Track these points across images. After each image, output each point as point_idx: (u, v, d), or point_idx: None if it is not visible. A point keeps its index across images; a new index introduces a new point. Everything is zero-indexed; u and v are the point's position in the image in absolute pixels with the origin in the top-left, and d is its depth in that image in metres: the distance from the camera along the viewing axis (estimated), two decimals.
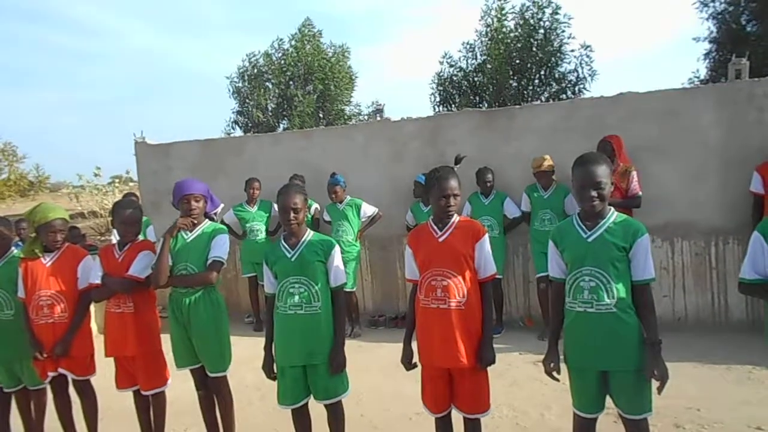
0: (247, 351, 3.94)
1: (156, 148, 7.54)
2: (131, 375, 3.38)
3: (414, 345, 2.76)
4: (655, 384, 2.34)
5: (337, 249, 3.00)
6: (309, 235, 3.00)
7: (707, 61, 12.39)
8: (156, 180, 7.42)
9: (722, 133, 5.22)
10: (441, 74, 16.28)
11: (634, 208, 4.97)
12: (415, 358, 2.77)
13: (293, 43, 17.98)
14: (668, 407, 3.49)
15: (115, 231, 3.72)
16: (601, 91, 16.78)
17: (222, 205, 3.59)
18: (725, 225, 5.25)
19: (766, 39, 10.39)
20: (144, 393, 3.39)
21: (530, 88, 15.06)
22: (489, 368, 2.66)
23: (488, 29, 15.35)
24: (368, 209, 6.09)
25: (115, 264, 3.31)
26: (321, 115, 17.75)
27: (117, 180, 15.34)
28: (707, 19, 12.31)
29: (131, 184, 13.67)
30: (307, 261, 2.91)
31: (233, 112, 18.17)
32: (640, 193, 5.00)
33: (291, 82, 17.75)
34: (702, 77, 12.61)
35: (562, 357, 2.56)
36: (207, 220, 3.38)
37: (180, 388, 3.63)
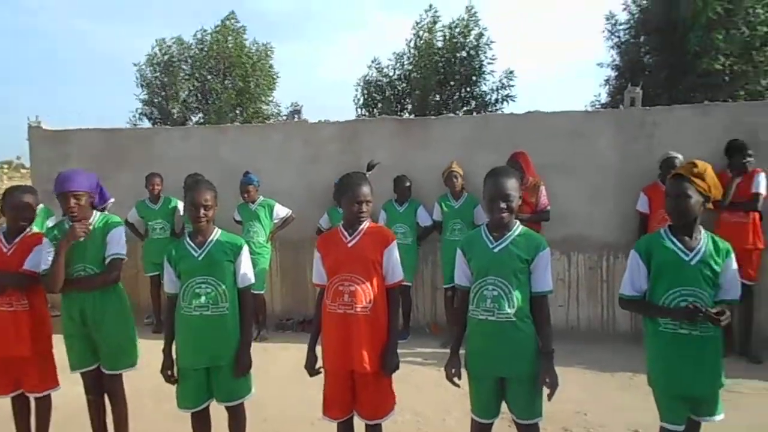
0: (142, 354, 3.74)
1: (53, 135, 7.03)
2: (15, 378, 3.13)
3: (319, 350, 2.75)
4: (546, 391, 2.47)
5: (246, 249, 2.93)
6: (216, 233, 2.91)
7: (608, 86, 13.36)
8: (50, 168, 6.88)
9: (618, 156, 5.61)
10: (367, 78, 16.47)
11: (543, 222, 5.23)
12: (319, 364, 2.76)
13: (214, 36, 17.42)
14: (558, 412, 3.68)
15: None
16: (518, 108, 17.61)
17: (113, 199, 3.37)
18: (617, 241, 5.64)
19: (661, 71, 11.32)
20: (35, 395, 3.15)
21: (451, 102, 15.55)
22: (396, 373, 2.70)
23: (418, 41, 15.76)
24: (281, 210, 6.00)
25: (1, 257, 3.05)
26: (238, 112, 17.31)
27: (6, 166, 14.15)
28: (611, 48, 13.27)
29: (23, 170, 12.66)
30: (216, 261, 2.83)
31: (141, 102, 17.29)
32: (549, 207, 5.27)
33: (210, 76, 17.17)
34: (603, 101, 13.56)
35: (463, 363, 2.64)
36: (96, 212, 3.17)
37: (66, 394, 3.39)
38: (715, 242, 2.51)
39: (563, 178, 5.64)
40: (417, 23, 16.02)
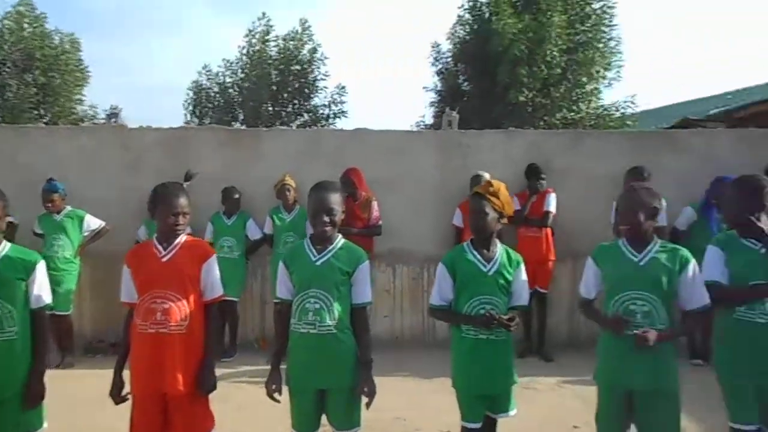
0: None
1: None
2: None
3: (127, 374, 2.54)
4: (364, 400, 2.55)
5: (41, 265, 2.61)
6: (5, 248, 2.56)
7: (432, 108, 14.44)
8: None
9: (438, 173, 6.04)
10: (198, 84, 15.79)
11: (376, 236, 5.41)
12: (127, 389, 2.55)
13: (5, 22, 15.27)
14: (378, 420, 3.81)
15: None
16: (350, 124, 18.10)
17: None
18: (437, 253, 5.93)
19: (476, 98, 12.52)
20: None
21: (284, 114, 15.52)
22: (215, 393, 2.59)
23: (251, 49, 15.46)
24: (92, 222, 5.46)
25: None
26: (42, 112, 15.36)
27: None
28: (435, 74, 14.33)
29: None
30: (4, 278, 2.48)
31: None
32: (381, 222, 5.47)
33: (5, 69, 15.03)
34: (427, 122, 14.59)
35: (285, 378, 2.62)
36: None
37: None
38: (508, 254, 2.81)
39: (389, 194, 5.90)
40: (250, 31, 15.78)
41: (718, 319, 2.77)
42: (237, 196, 5.69)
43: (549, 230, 5.62)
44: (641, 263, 2.61)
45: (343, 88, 15.58)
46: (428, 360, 5.48)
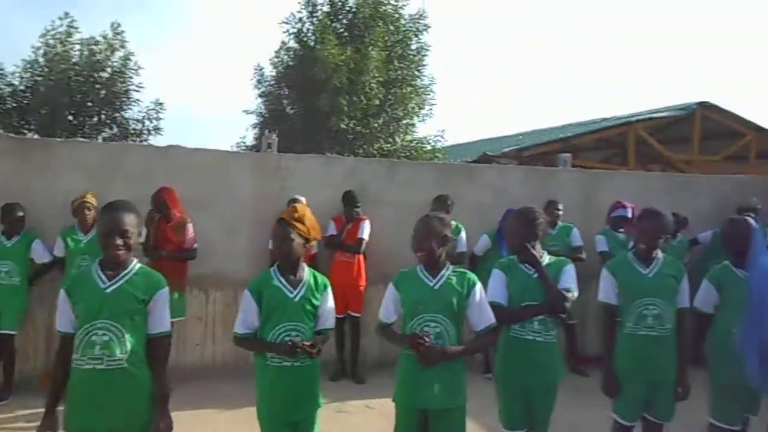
0: None
1: None
2: None
3: None
4: None
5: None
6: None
7: (255, 130, 14.21)
8: None
9: (255, 196, 5.91)
10: None
11: (191, 260, 5.14)
12: None
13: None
14: None
15: None
16: (166, 141, 16.98)
17: None
18: (252, 277, 5.87)
19: (299, 123, 12.63)
20: None
21: (88, 126, 14.06)
22: None
23: (48, 50, 13.76)
24: None
25: None
26: None
27: None
28: (259, 96, 14.17)
29: None
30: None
31: None
32: (196, 245, 5.18)
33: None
34: (248, 143, 14.33)
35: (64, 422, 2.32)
36: None
37: None
38: (315, 278, 2.83)
39: (202, 215, 5.62)
40: (48, 30, 14.10)
41: (501, 334, 3.11)
42: (20, 214, 4.98)
43: (362, 256, 5.80)
44: (435, 287, 2.81)
45: (161, 104, 14.67)
46: (241, 390, 5.25)
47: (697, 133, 12.36)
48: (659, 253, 3.26)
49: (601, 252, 6.03)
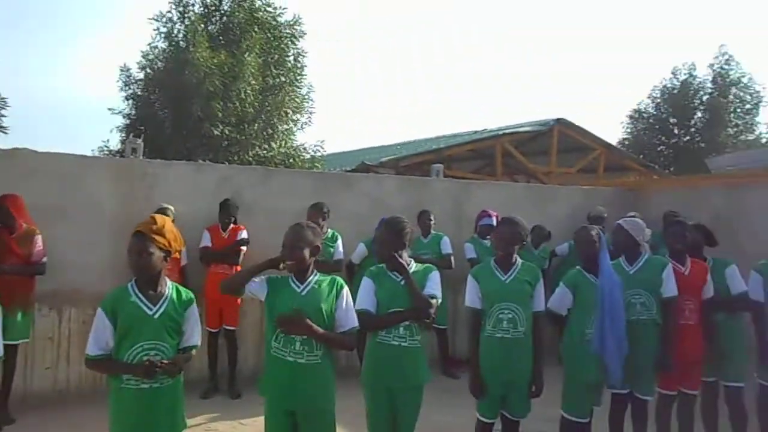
0: None
1: None
2: None
3: None
4: None
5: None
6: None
7: (121, 134, 13.19)
8: None
9: (118, 204, 5.49)
10: None
11: (38, 275, 4.73)
12: None
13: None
14: None
15: None
16: (10, 143, 15.31)
17: None
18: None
19: (171, 127, 11.93)
20: None
21: None
22: None
23: None
24: None
25: None
26: None
27: None
28: (126, 99, 13.20)
29: None
30: None
31: None
32: (45, 259, 4.73)
33: None
34: (113, 148, 13.29)
35: None
36: None
37: None
38: (179, 292, 2.68)
39: (54, 225, 5.12)
40: None
41: (368, 340, 3.17)
42: None
43: (239, 267, 5.62)
44: (303, 293, 2.79)
45: (3, 99, 13.16)
46: (99, 418, 4.83)
47: (554, 147, 13.49)
48: (518, 260, 3.48)
49: (469, 259, 6.33)
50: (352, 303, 2.91)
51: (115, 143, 13.38)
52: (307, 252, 2.80)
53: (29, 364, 5.08)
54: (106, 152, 13.12)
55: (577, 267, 3.83)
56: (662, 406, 3.97)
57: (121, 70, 13.00)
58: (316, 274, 2.88)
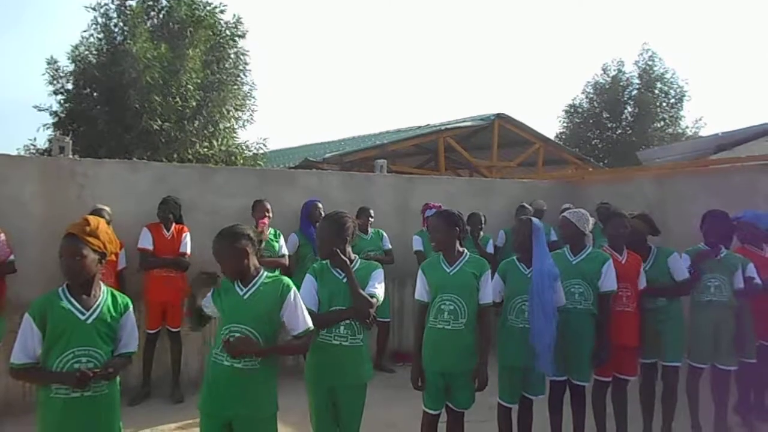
0: None
1: None
2: None
3: None
4: None
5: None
6: None
7: (48, 131, 12.50)
8: None
9: (45, 205, 5.22)
10: None
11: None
12: None
13: None
14: None
15: None
16: None
17: None
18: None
19: (105, 123, 11.37)
20: None
21: None
22: None
23: None
24: None
25: None
26: None
27: None
28: (54, 93, 12.49)
29: None
30: None
31: None
32: (12, 257, 4.60)
33: None
34: (40, 147, 12.56)
35: None
36: None
37: None
38: (114, 297, 2.57)
39: None
40: None
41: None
42: None
43: (185, 272, 5.44)
44: (245, 297, 2.73)
45: None
46: (27, 424, 4.59)
47: (495, 142, 13.78)
48: (466, 253, 3.51)
49: (416, 251, 6.39)
50: (302, 303, 2.83)
51: (42, 142, 12.66)
52: (239, 259, 2.71)
53: None
54: (33, 151, 12.40)
55: (513, 256, 3.93)
56: (597, 390, 4.14)
57: (48, 63, 12.26)
58: (261, 275, 2.80)
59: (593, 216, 4.26)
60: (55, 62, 12.31)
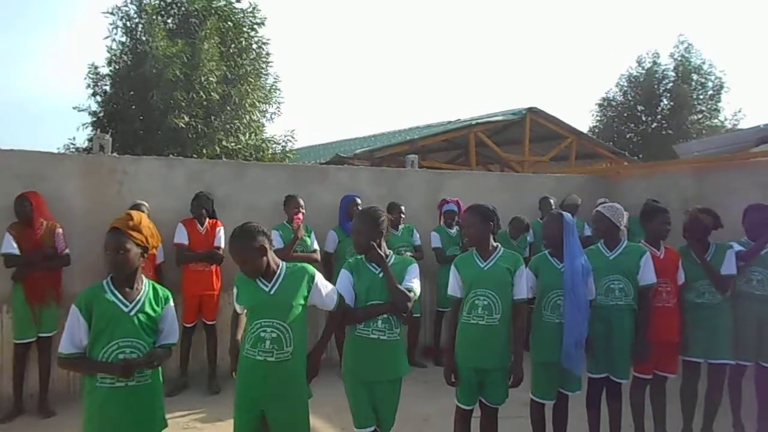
0: None
1: None
2: None
3: None
4: None
5: None
6: None
7: (87, 130, 12.85)
8: None
9: (86, 201, 5.36)
10: None
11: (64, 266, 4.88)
12: None
13: None
14: None
15: None
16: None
17: None
18: None
19: (137, 122, 11.64)
20: None
21: None
22: None
23: None
24: None
25: None
26: None
27: None
28: (93, 95, 12.84)
29: None
30: None
31: None
32: (67, 250, 4.89)
33: None
34: (79, 145, 12.92)
35: None
36: None
37: None
38: (155, 290, 2.64)
39: None
40: None
41: (347, 334, 3.17)
42: None
43: (219, 266, 5.55)
44: (272, 292, 2.77)
45: None
46: (75, 419, 4.75)
47: (527, 136, 13.61)
48: (500, 248, 3.49)
49: (434, 248, 6.38)
50: (326, 283, 2.95)
51: (81, 141, 13.02)
52: (257, 257, 2.75)
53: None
54: (74, 150, 12.76)
55: (545, 252, 3.88)
56: (636, 388, 4.07)
57: (89, 68, 12.66)
58: (282, 268, 2.84)
59: (628, 212, 4.19)
60: (96, 68, 12.67)
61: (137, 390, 2.47)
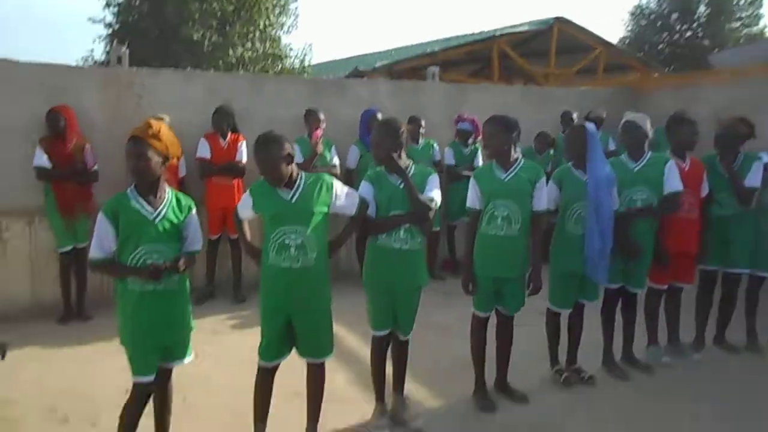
0: None
1: None
2: None
3: None
4: None
5: None
6: None
7: (104, 43, 12.66)
8: None
9: (105, 115, 5.37)
10: None
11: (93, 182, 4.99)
12: None
13: None
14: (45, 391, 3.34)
15: None
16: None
17: None
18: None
19: (153, 35, 11.41)
20: None
21: None
22: None
23: None
24: None
25: None
26: None
27: None
28: (107, 6, 12.51)
29: None
30: None
31: None
32: (96, 167, 4.98)
33: None
34: (97, 58, 12.78)
35: None
36: None
37: None
38: (178, 199, 2.69)
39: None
40: None
41: (368, 243, 3.21)
42: None
43: (242, 179, 5.58)
44: (293, 200, 2.79)
45: None
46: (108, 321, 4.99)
47: (553, 48, 13.05)
48: (520, 159, 3.45)
49: (447, 165, 6.36)
50: (346, 188, 3.00)
51: (99, 54, 12.87)
52: (284, 165, 2.75)
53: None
54: (91, 63, 12.65)
55: (568, 163, 3.83)
56: (651, 298, 4.13)
57: None
58: (301, 177, 2.86)
59: (655, 124, 4.08)
60: None
61: (165, 294, 2.58)
